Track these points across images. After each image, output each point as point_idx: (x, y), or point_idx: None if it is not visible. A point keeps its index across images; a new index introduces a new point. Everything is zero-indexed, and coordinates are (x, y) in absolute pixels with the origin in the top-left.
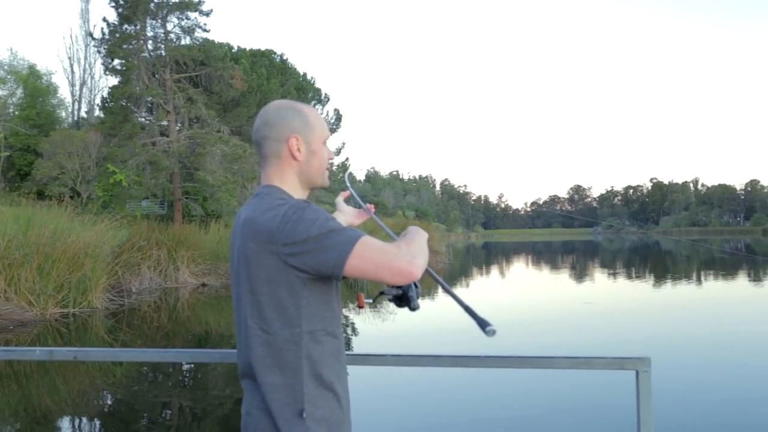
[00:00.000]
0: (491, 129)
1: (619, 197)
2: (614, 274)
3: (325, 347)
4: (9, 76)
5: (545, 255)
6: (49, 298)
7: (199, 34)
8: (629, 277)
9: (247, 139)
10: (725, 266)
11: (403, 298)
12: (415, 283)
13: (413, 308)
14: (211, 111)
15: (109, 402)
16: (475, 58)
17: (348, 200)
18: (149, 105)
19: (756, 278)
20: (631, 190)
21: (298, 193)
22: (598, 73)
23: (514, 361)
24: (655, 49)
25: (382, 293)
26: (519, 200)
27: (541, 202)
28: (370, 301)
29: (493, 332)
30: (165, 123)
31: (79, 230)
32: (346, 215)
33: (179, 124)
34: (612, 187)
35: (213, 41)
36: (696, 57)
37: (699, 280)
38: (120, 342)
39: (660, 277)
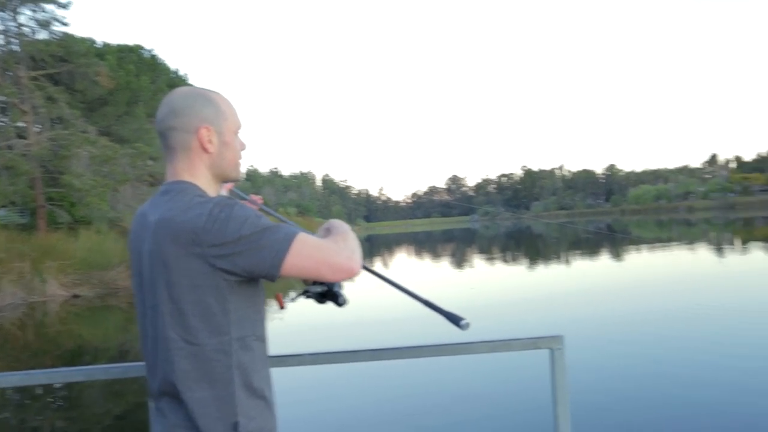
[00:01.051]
0: (369, 123)
1: (494, 185)
2: (492, 259)
3: (255, 353)
4: None
5: (427, 244)
6: None
7: (57, 27)
8: (507, 261)
9: (117, 139)
10: (591, 245)
11: (329, 295)
12: None
13: (341, 304)
14: (75, 110)
15: None
16: (349, 53)
17: (230, 195)
18: (2, 105)
19: (618, 255)
20: (504, 178)
21: (211, 188)
22: (468, 66)
23: (433, 350)
24: (523, 42)
25: (306, 291)
26: (399, 192)
27: (420, 194)
28: (292, 300)
29: (467, 325)
30: (22, 124)
31: None
32: None
33: (39, 126)
34: (486, 175)
35: (74, 36)
36: (558, 49)
37: (569, 260)
38: None
39: (536, 259)
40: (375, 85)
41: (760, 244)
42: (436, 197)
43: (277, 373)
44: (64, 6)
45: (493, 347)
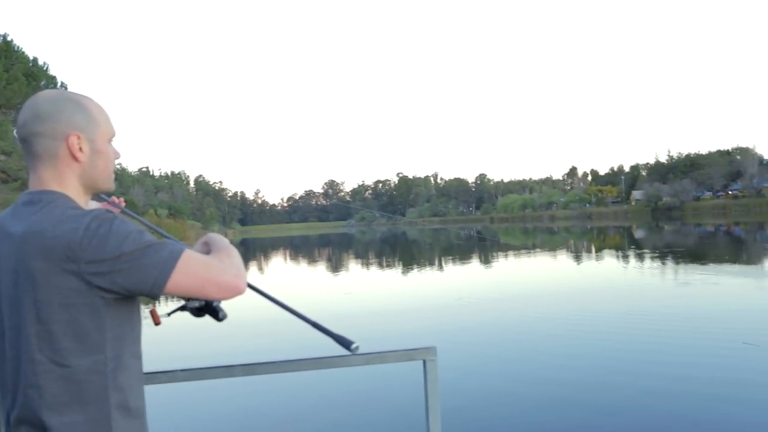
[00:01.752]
0: (246, 123)
1: (370, 191)
2: (368, 264)
3: (131, 371)
4: None
5: (303, 249)
6: None
7: None
8: (382, 266)
9: None
10: (463, 250)
11: (207, 309)
12: None
13: (221, 319)
14: None
15: None
16: (221, 46)
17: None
18: None
19: (488, 260)
20: (380, 184)
21: (81, 199)
22: (345, 70)
23: (309, 363)
24: (399, 48)
25: (184, 306)
26: (276, 196)
27: (297, 197)
28: (167, 316)
29: (358, 349)
30: None
31: None
32: None
33: None
34: (363, 181)
35: None
36: (431, 57)
37: (443, 266)
38: None
39: (410, 265)
40: (252, 84)
41: (612, 252)
42: (313, 201)
43: (148, 391)
44: None
45: (369, 360)
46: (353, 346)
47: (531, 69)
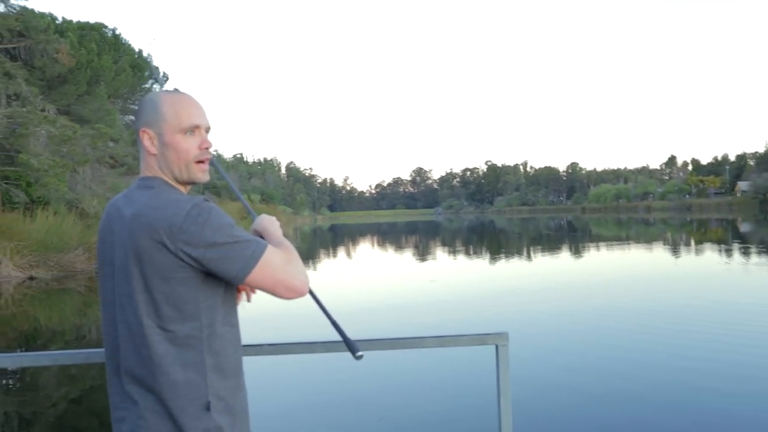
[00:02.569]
0: (336, 111)
1: (458, 179)
2: (455, 252)
3: (225, 338)
4: None
5: (390, 235)
6: None
7: (15, 1)
8: (469, 254)
9: (77, 119)
10: (551, 241)
11: None
12: None
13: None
14: (34, 88)
15: None
16: (316, 39)
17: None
18: None
19: (577, 251)
20: (468, 173)
21: (177, 187)
22: (436, 59)
23: (385, 344)
24: (492, 37)
25: None
26: (364, 183)
27: (385, 184)
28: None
29: (361, 357)
30: None
31: None
32: None
33: None
34: (451, 169)
35: (33, 10)
36: (525, 46)
37: (531, 256)
38: None
39: (497, 254)
40: (343, 73)
41: (713, 246)
42: (400, 188)
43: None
44: None
45: (443, 342)
46: (358, 353)
47: (627, 50)
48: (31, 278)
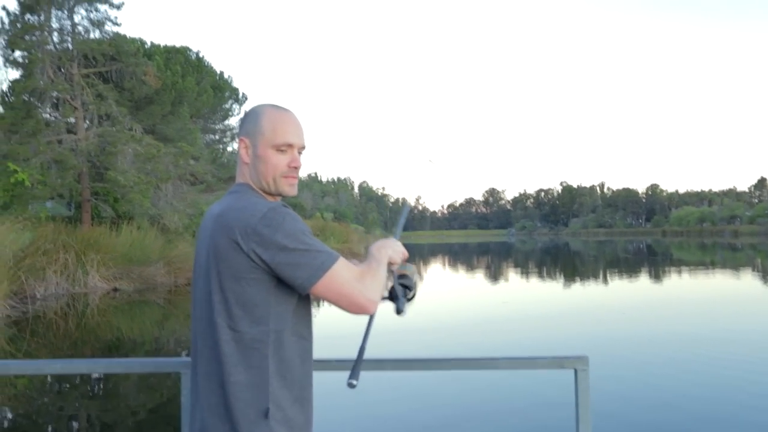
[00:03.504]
0: (409, 132)
1: (531, 200)
2: (528, 274)
3: (292, 348)
4: None
5: (462, 256)
6: None
7: (109, 27)
8: (542, 276)
9: (161, 138)
10: (629, 265)
11: (393, 297)
12: (405, 284)
13: (399, 311)
14: (123, 108)
15: (9, 417)
16: (387, 61)
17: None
18: (55, 101)
19: (657, 276)
20: (543, 193)
21: (263, 195)
22: (509, 77)
23: (458, 363)
24: (563, 57)
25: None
26: (436, 202)
27: (457, 204)
28: None
29: (352, 386)
30: (72, 120)
31: None
32: None
33: (88, 122)
34: (525, 190)
35: (124, 36)
36: (602, 63)
37: (607, 279)
38: (23, 353)
39: (572, 277)
40: (415, 96)
41: None
42: (472, 209)
43: (330, 376)
44: (117, 7)
45: (517, 364)
46: (352, 381)
47: (713, 66)
48: (115, 290)
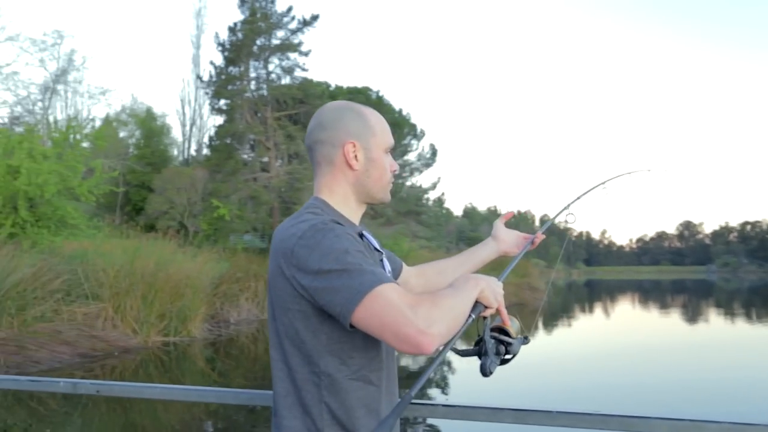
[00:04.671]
0: (592, 163)
1: (735, 233)
2: (732, 316)
3: (352, 394)
4: (130, 119)
5: (653, 294)
6: (152, 327)
7: (298, 73)
8: (752, 319)
9: None
10: None
11: (479, 353)
12: (501, 338)
13: (484, 372)
14: None
15: None
16: (566, 95)
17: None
18: (251, 142)
19: None
20: (749, 226)
21: (351, 207)
22: (711, 106)
23: (656, 425)
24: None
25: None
26: (623, 236)
27: (647, 238)
28: (461, 355)
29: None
30: (266, 159)
31: (181, 261)
32: (500, 242)
33: (279, 160)
34: (726, 222)
35: (311, 80)
36: None
37: None
38: (217, 372)
39: None
40: (595, 126)
41: None
42: (665, 243)
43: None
44: (305, 54)
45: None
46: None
47: None
48: None
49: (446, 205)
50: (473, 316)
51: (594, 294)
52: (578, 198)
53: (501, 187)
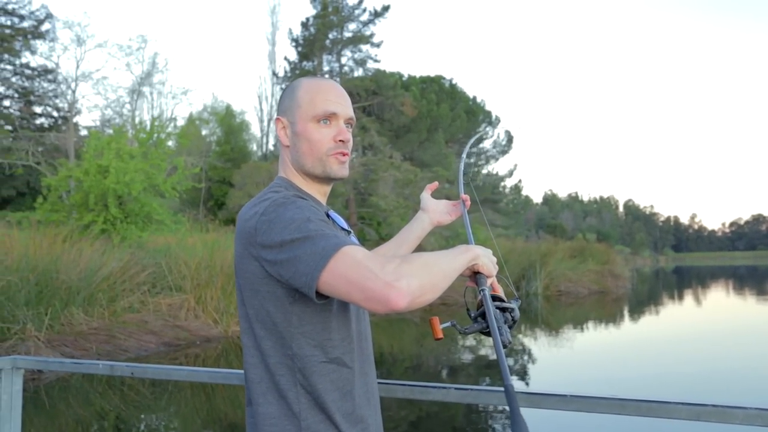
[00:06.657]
0: (679, 144)
1: None
2: None
3: (326, 377)
4: (211, 117)
5: (749, 280)
6: (231, 317)
7: (370, 65)
8: None
9: (418, 163)
10: None
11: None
12: (504, 306)
13: (504, 345)
14: (383, 138)
15: None
16: (651, 71)
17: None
18: None
19: None
20: None
21: (308, 185)
22: None
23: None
24: None
25: (452, 325)
26: (715, 220)
27: (742, 222)
28: (450, 326)
29: None
30: None
31: None
32: (431, 213)
33: (354, 152)
34: None
35: (384, 71)
36: None
37: None
38: None
39: None
40: (686, 100)
41: None
42: (762, 227)
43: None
44: (377, 45)
45: None
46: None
47: None
48: None
49: (525, 192)
50: (485, 289)
51: (684, 281)
52: (470, 145)
53: (582, 173)
